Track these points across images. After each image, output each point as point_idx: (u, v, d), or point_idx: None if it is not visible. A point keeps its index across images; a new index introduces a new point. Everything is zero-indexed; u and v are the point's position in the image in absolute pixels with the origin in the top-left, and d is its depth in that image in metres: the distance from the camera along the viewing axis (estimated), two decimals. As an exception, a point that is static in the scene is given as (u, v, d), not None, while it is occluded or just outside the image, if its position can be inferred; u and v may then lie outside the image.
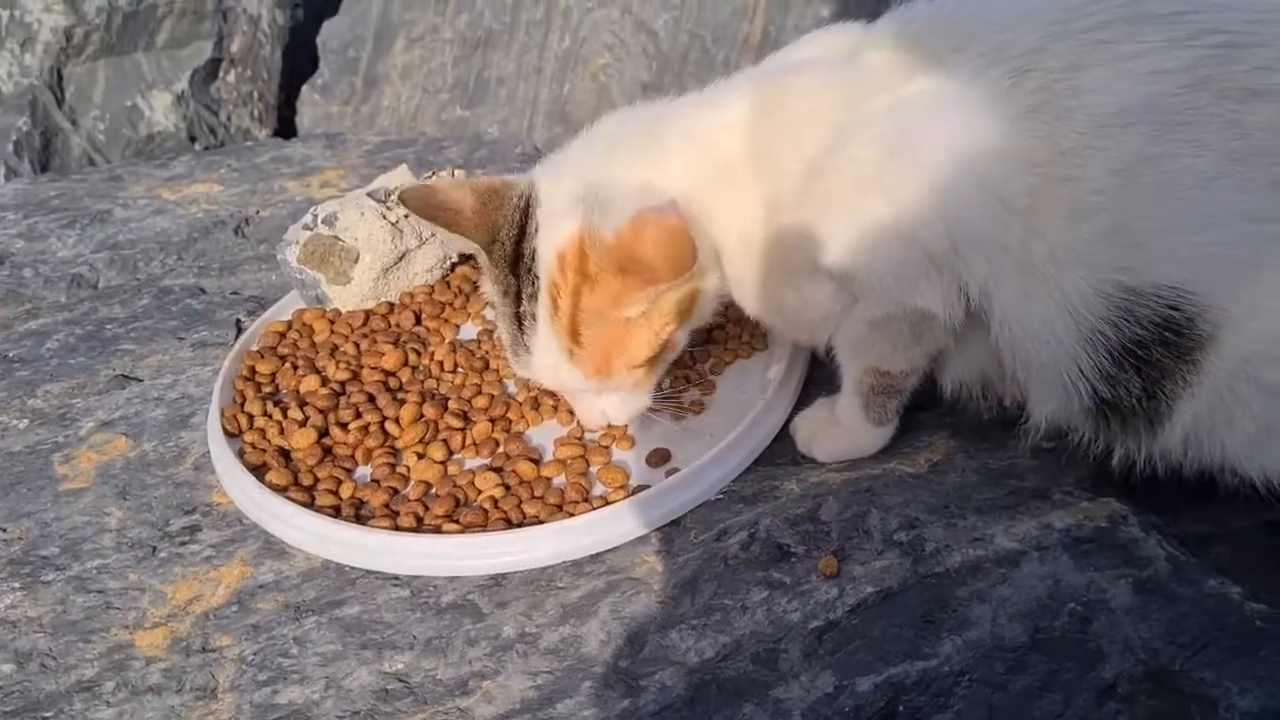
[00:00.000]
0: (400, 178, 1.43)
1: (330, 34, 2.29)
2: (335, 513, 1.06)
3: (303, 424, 1.16)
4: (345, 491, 1.09)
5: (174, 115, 2.27)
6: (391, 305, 1.38)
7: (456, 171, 1.42)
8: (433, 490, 1.09)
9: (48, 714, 0.91)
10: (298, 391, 1.22)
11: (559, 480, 1.08)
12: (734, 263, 1.05)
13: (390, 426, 1.16)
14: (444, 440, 1.14)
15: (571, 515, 1.02)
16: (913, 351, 1.03)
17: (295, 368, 1.26)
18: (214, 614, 1.00)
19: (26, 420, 1.29)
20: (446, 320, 1.35)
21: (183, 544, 1.09)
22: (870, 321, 1.01)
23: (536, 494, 1.06)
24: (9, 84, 2.13)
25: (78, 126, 2.21)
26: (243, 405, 1.20)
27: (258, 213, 1.78)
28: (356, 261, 1.35)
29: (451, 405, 1.18)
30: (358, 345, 1.30)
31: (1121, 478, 0.98)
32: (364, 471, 1.13)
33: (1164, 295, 0.86)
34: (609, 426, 1.14)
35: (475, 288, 1.40)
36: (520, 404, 1.18)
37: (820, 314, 1.04)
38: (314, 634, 0.97)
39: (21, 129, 2.11)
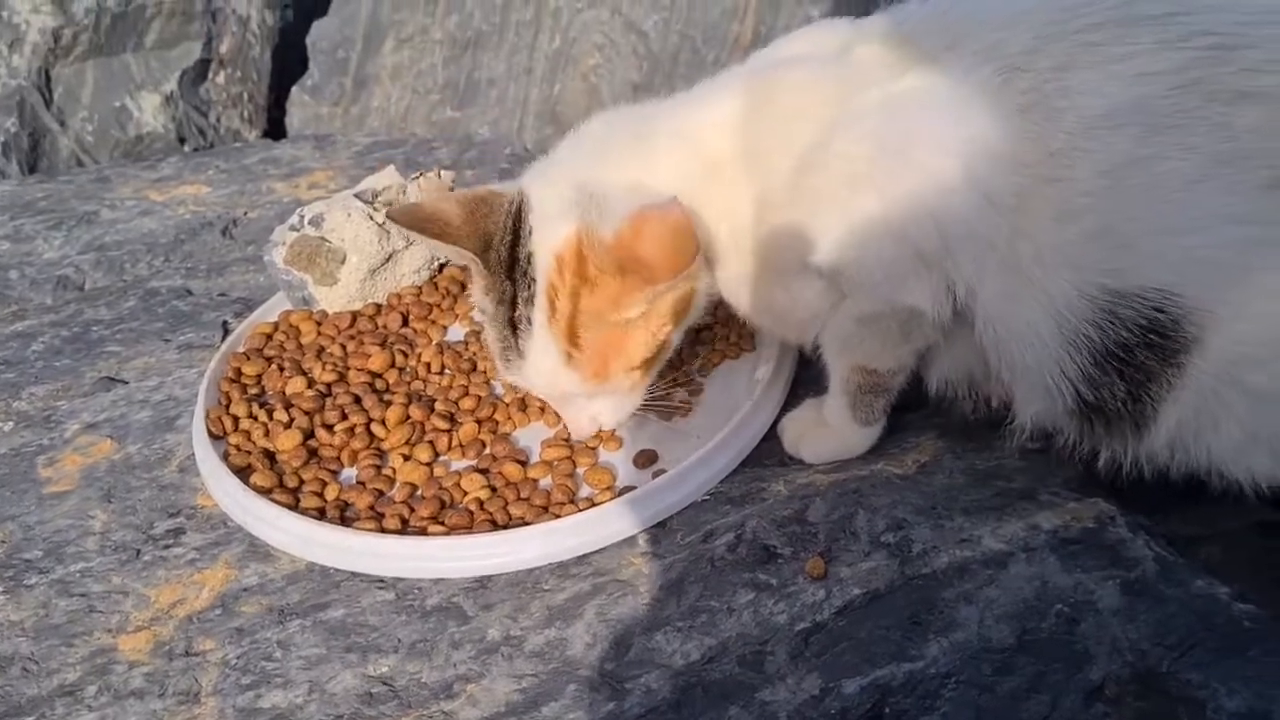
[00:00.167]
0: (388, 179, 1.42)
1: (319, 35, 2.28)
2: (320, 515, 1.06)
3: (288, 426, 1.16)
4: (330, 493, 1.08)
5: (163, 116, 2.26)
6: (379, 306, 1.37)
7: (444, 173, 1.41)
8: (418, 492, 1.08)
9: (29, 718, 0.90)
10: (284, 393, 1.22)
11: (545, 482, 1.08)
12: (724, 261, 1.04)
13: (376, 428, 1.16)
14: (430, 442, 1.13)
15: (558, 517, 1.02)
16: (901, 349, 1.03)
17: (281, 369, 1.25)
18: (197, 617, 1.00)
19: (11, 423, 1.28)
20: (434, 321, 1.34)
21: (167, 547, 1.08)
22: (859, 319, 1.01)
23: (523, 495, 1.06)
24: (-3, 85, 2.13)
25: (66, 128, 2.20)
26: (228, 407, 1.20)
27: (245, 214, 1.77)
28: (343, 262, 1.34)
29: (438, 407, 1.18)
30: (344, 347, 1.29)
31: (1109, 480, 0.98)
32: (350, 473, 1.12)
33: (1150, 297, 0.86)
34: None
35: (463, 289, 1.39)
36: (507, 405, 1.18)
37: (809, 312, 1.04)
38: (298, 637, 0.96)
39: (9, 130, 2.10)
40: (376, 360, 1.25)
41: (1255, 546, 0.99)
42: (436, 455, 1.13)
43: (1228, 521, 1.00)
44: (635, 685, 0.87)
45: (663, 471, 1.06)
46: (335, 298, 1.36)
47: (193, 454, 1.18)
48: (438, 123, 2.23)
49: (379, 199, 1.38)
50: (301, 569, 1.04)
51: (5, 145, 2.10)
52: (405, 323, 1.34)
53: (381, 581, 1.01)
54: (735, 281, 1.06)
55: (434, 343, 1.29)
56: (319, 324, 1.34)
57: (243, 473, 1.10)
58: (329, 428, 1.16)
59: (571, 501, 1.04)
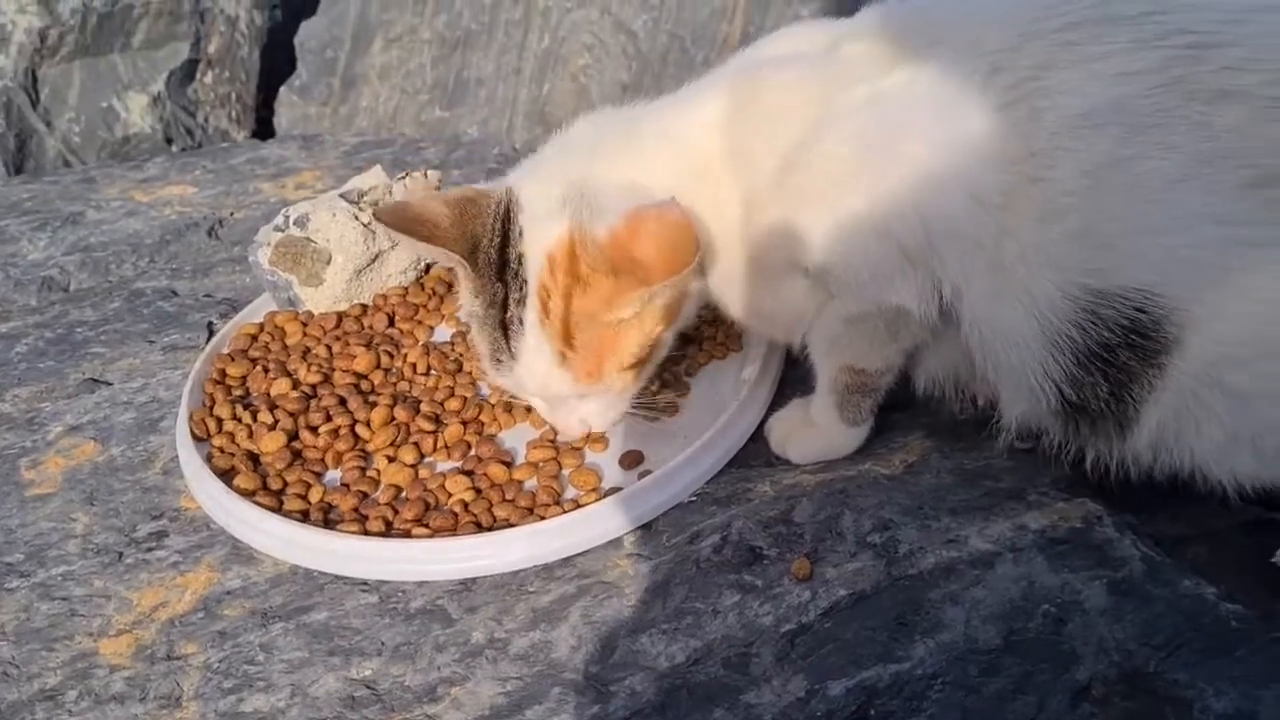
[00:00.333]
0: (374, 179, 1.41)
1: (308, 35, 2.27)
2: (304, 517, 1.05)
3: (272, 427, 1.15)
4: (314, 496, 1.07)
5: (150, 117, 2.25)
6: (365, 307, 1.36)
7: (430, 173, 1.40)
8: (403, 494, 1.07)
9: (8, 724, 0.90)
10: (268, 395, 1.21)
11: (531, 483, 1.07)
12: (714, 261, 1.04)
13: (361, 430, 1.15)
14: (415, 443, 1.12)
15: (543, 518, 1.01)
16: (888, 349, 1.02)
17: (266, 370, 1.25)
18: (180, 621, 0.99)
19: (-7, 425, 1.27)
20: (420, 322, 1.33)
21: (149, 550, 1.07)
22: (846, 318, 1.00)
23: (508, 497, 1.05)
24: (-18, 85, 2.11)
25: (53, 128, 2.19)
26: (212, 409, 1.19)
27: (232, 214, 1.76)
28: (329, 263, 1.33)
29: (423, 408, 1.17)
30: (330, 348, 1.28)
31: (1096, 481, 0.98)
32: (334, 475, 1.11)
33: (1131, 298, 0.86)
34: (585, 430, 1.13)
35: (449, 289, 1.38)
36: (493, 407, 1.17)
37: (796, 312, 1.04)
38: (281, 640, 0.95)
39: (-4, 131, 2.09)
40: (362, 361, 1.24)
41: (1242, 546, 0.98)
42: (421, 457, 1.12)
43: (1215, 521, 1.00)
44: (620, 688, 0.86)
45: (649, 472, 1.05)
46: (321, 298, 1.35)
47: (176, 456, 1.17)
48: (426, 123, 2.23)
49: (365, 199, 1.37)
50: (285, 572, 1.03)
51: (-9, 146, 2.09)
52: (391, 323, 1.33)
53: (365, 584, 1.00)
54: (723, 282, 1.05)
55: (420, 344, 1.29)
56: (304, 325, 1.33)
57: (226, 475, 1.10)
58: (313, 429, 1.15)
59: (557, 503, 1.03)
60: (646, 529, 1.02)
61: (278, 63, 2.39)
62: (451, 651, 0.92)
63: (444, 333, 1.32)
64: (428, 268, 1.41)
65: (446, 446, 1.13)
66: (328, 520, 1.05)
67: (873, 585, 0.92)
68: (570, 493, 1.06)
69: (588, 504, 1.02)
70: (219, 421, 1.17)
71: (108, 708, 0.91)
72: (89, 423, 1.27)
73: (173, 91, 2.29)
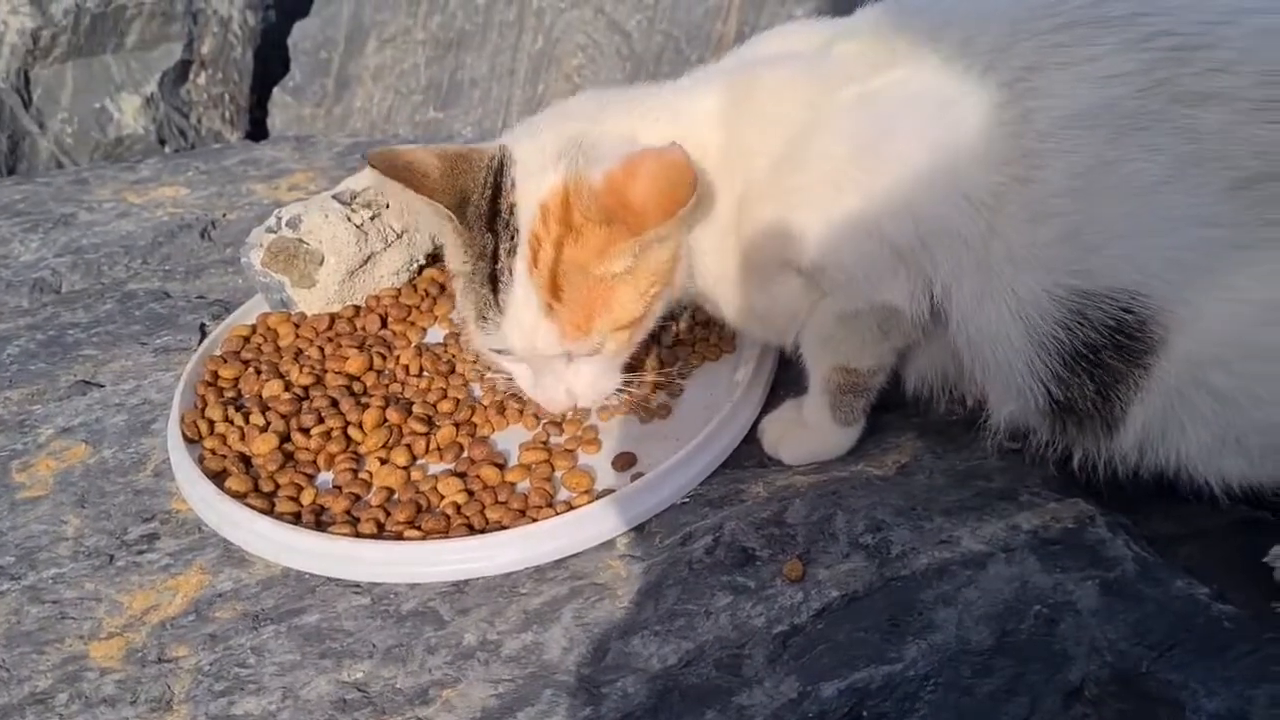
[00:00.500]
0: (367, 179, 1.41)
1: (301, 35, 2.27)
2: (295, 519, 1.05)
3: (264, 429, 1.15)
4: (306, 498, 1.07)
5: (143, 118, 2.24)
6: (357, 308, 1.36)
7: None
8: (395, 496, 1.07)
9: (-2, 727, 0.89)
10: (260, 396, 1.20)
11: (523, 485, 1.07)
12: (705, 257, 1.03)
13: (353, 432, 1.15)
14: (407, 445, 1.12)
15: (535, 520, 1.01)
16: (880, 348, 1.02)
17: (259, 372, 1.24)
18: (171, 624, 0.98)
19: (-15, 427, 1.27)
20: (413, 323, 1.33)
21: (140, 552, 1.07)
22: (838, 317, 1.00)
23: (500, 499, 1.05)
24: (-26, 87, 2.11)
25: (45, 129, 2.18)
26: (204, 411, 1.19)
27: (225, 216, 1.76)
28: (321, 264, 1.33)
29: (416, 410, 1.17)
30: (322, 349, 1.28)
31: (1083, 480, 0.98)
32: (326, 477, 1.11)
33: (1117, 298, 0.86)
34: (577, 427, 1.13)
35: (442, 290, 1.38)
36: (485, 408, 1.17)
37: (789, 311, 1.04)
38: (272, 643, 0.95)
39: (-13, 132, 2.09)
40: (354, 363, 1.24)
41: (1234, 546, 0.98)
42: (414, 459, 1.12)
43: (1207, 521, 1.00)
44: (612, 690, 0.86)
45: (641, 474, 1.05)
46: (313, 300, 1.35)
47: (168, 458, 1.16)
48: (420, 123, 2.22)
49: (357, 200, 1.37)
50: (276, 574, 1.03)
51: (-17, 148, 2.08)
52: (384, 325, 1.33)
53: (357, 586, 1.00)
54: (716, 281, 1.05)
55: (412, 345, 1.29)
56: (297, 326, 1.33)
57: (218, 477, 1.09)
58: (305, 431, 1.15)
59: (549, 505, 1.03)
60: (639, 530, 1.02)
61: (271, 63, 2.39)
62: (443, 654, 0.92)
63: (437, 334, 1.32)
64: (420, 269, 1.41)
65: (439, 448, 1.12)
66: (320, 522, 1.04)
67: (865, 586, 0.92)
68: (563, 494, 1.06)
69: (580, 506, 1.02)
70: (211, 423, 1.17)
71: (98, 711, 0.90)
72: (80, 425, 1.26)
73: (166, 92, 2.28)
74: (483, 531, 1.01)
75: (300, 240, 1.33)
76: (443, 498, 1.06)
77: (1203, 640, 0.85)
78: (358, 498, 1.07)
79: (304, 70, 2.28)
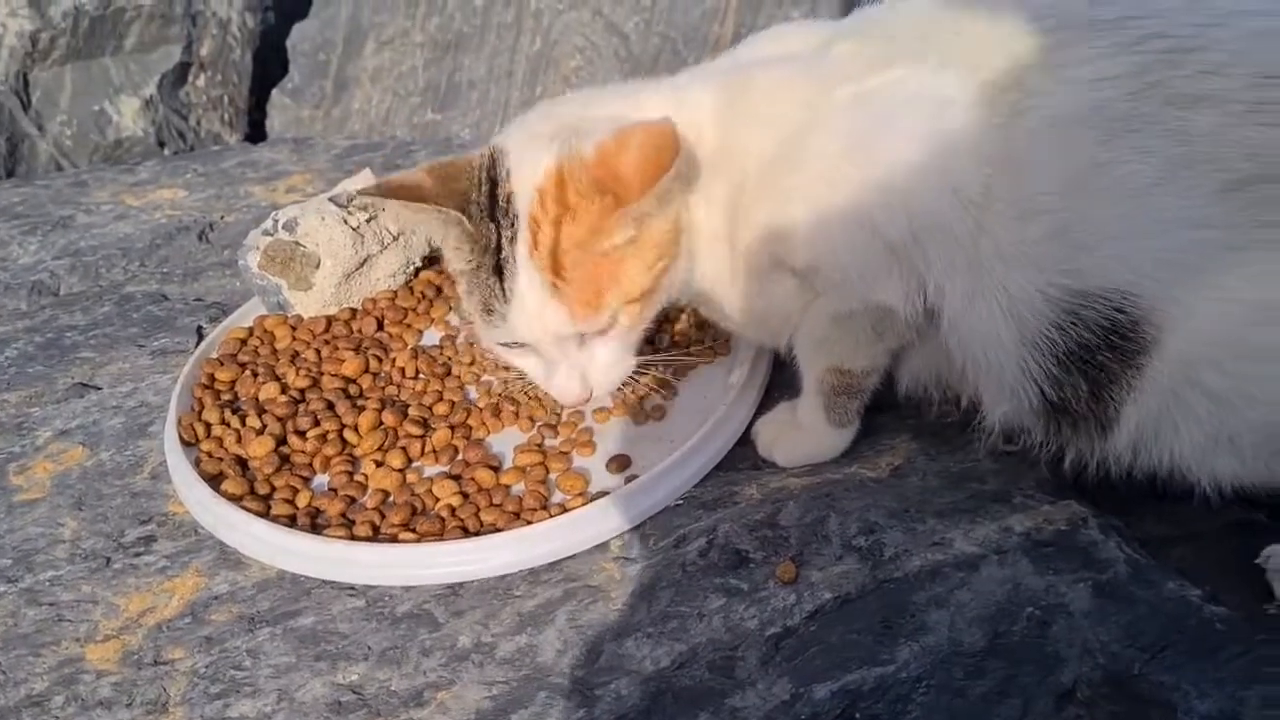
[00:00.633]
0: (363, 182, 1.41)
1: (300, 37, 2.27)
2: (291, 522, 1.05)
3: (260, 432, 1.15)
4: (302, 500, 1.08)
5: (142, 120, 2.25)
6: (354, 311, 1.36)
7: (419, 175, 1.40)
8: (390, 499, 1.07)
9: (-6, 730, 0.90)
10: (257, 399, 1.21)
11: (518, 488, 1.07)
12: (700, 257, 1.04)
13: (349, 434, 1.15)
14: (403, 448, 1.13)
15: (530, 523, 1.01)
16: (874, 349, 1.03)
17: (255, 375, 1.25)
18: (167, 626, 0.99)
19: (-18, 430, 1.27)
20: (409, 326, 1.33)
21: (137, 555, 1.07)
22: (833, 317, 1.01)
23: (495, 501, 1.05)
24: (-27, 90, 2.11)
25: (44, 132, 2.19)
26: (200, 413, 1.19)
27: (222, 218, 1.76)
28: (318, 267, 1.34)
29: (411, 412, 1.17)
30: (319, 352, 1.28)
31: (1073, 480, 0.98)
32: (321, 480, 1.12)
33: (1110, 298, 0.86)
34: (572, 429, 1.13)
35: (439, 292, 1.39)
36: (481, 410, 1.17)
37: (783, 312, 1.04)
38: (267, 645, 0.95)
39: (-13, 135, 2.09)
40: (350, 365, 1.24)
41: (1227, 547, 0.98)
42: (409, 461, 1.12)
43: (1200, 522, 1.00)
44: (605, 692, 0.86)
45: (635, 476, 1.05)
46: (310, 302, 1.35)
47: (165, 461, 1.17)
48: (419, 125, 2.23)
49: (354, 203, 1.37)
50: (272, 576, 1.03)
51: (-18, 150, 2.09)
52: (380, 327, 1.33)
53: (352, 589, 1.00)
54: (711, 283, 1.05)
55: (408, 347, 1.29)
56: (294, 329, 1.33)
57: (214, 480, 1.10)
58: (301, 434, 1.15)
59: (544, 508, 1.03)
60: (633, 532, 1.03)
61: (270, 65, 2.39)
62: (438, 656, 0.92)
63: (433, 336, 1.32)
64: (417, 271, 1.41)
65: (434, 451, 1.13)
66: (315, 525, 1.05)
67: (858, 588, 0.92)
68: (557, 497, 1.06)
69: (574, 508, 1.02)
70: (207, 426, 1.17)
71: (94, 713, 0.91)
72: (78, 427, 1.27)
73: (165, 94, 2.28)
74: (477, 534, 1.02)
75: (297, 243, 1.33)
76: (438, 500, 1.06)
77: (1195, 642, 0.85)
78: (353, 500, 1.08)
79: (302, 72, 2.28)
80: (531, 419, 1.16)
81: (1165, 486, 0.94)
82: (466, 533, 1.02)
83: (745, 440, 1.13)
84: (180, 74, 2.31)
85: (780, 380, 1.19)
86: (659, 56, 2.11)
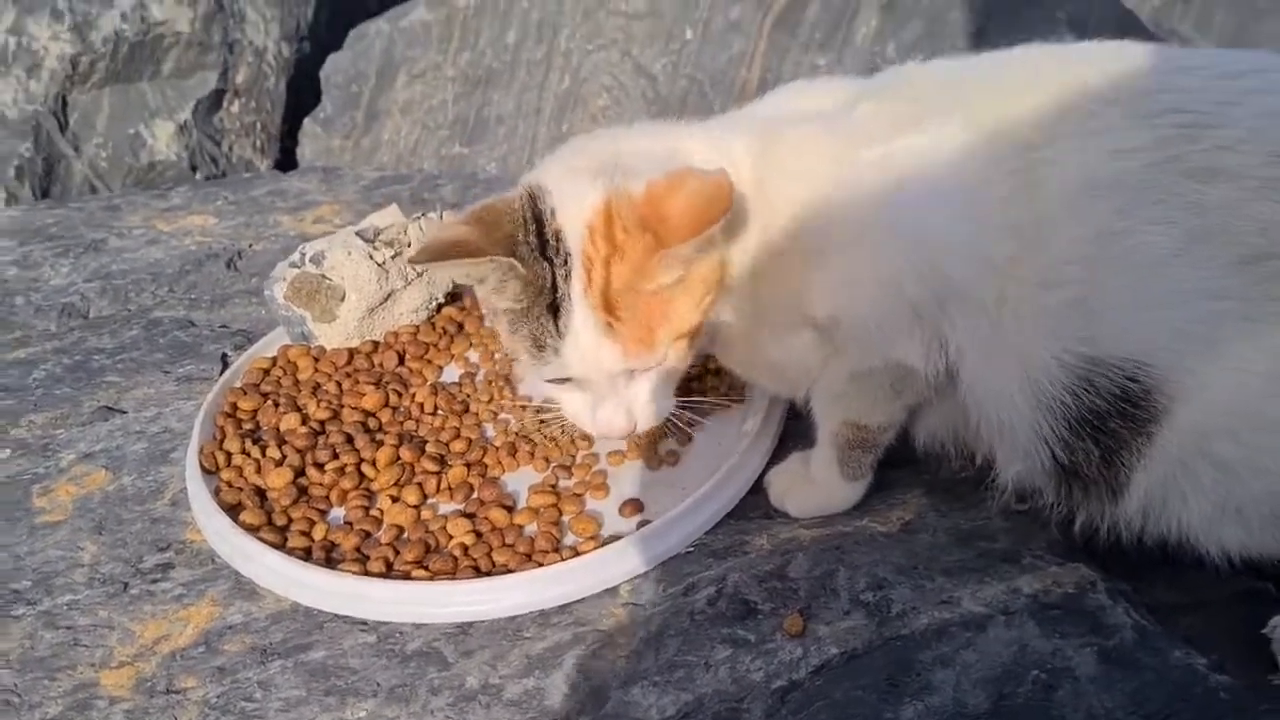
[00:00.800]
0: (390, 217, 1.44)
1: (333, 68, 2.31)
2: (306, 554, 1.06)
3: (280, 463, 1.17)
4: (318, 533, 1.09)
5: (176, 144, 2.28)
6: (376, 344, 1.38)
7: (446, 214, 1.43)
8: (405, 534, 1.09)
9: (7, 753, 0.91)
10: (278, 429, 1.23)
11: (531, 528, 1.08)
12: (721, 305, 1.04)
13: (366, 468, 1.16)
14: (419, 484, 1.14)
15: (541, 565, 1.02)
16: (892, 405, 1.04)
17: (277, 405, 1.27)
18: (181, 654, 1.00)
19: (8, 450, 1.29)
20: (429, 361, 1.35)
21: (154, 581, 1.09)
22: (852, 374, 1.01)
23: (507, 541, 1.06)
24: (13, 109, 2.15)
25: (80, 153, 2.23)
26: (222, 442, 1.21)
27: (251, 246, 1.79)
28: (342, 300, 1.36)
29: (429, 449, 1.19)
30: (340, 384, 1.30)
31: (1084, 543, 0.98)
32: (338, 513, 1.13)
33: (1124, 367, 0.87)
34: (586, 471, 1.15)
35: (460, 329, 1.40)
36: (497, 449, 1.19)
37: (802, 365, 1.04)
38: (279, 678, 0.96)
39: (24, 154, 2.13)
40: (370, 399, 1.26)
41: (1235, 615, 0.98)
42: (425, 498, 1.13)
43: (1209, 590, 1.00)
44: (610, 739, 0.87)
45: (648, 522, 1.06)
46: (333, 334, 1.37)
47: (185, 488, 1.18)
48: (447, 157, 2.26)
49: (380, 237, 1.40)
50: (286, 608, 1.04)
51: (19, 169, 2.12)
52: (401, 361, 1.35)
53: (364, 624, 1.01)
54: (729, 332, 1.06)
55: (428, 383, 1.31)
56: (316, 360, 1.35)
57: (233, 510, 1.11)
58: (320, 466, 1.17)
59: (556, 550, 1.04)
60: (643, 578, 1.03)
61: (304, 94, 2.43)
62: (446, 695, 0.93)
63: (452, 373, 1.34)
64: (439, 307, 1.43)
65: (450, 488, 1.14)
66: (330, 559, 1.06)
67: (864, 644, 0.92)
68: (569, 539, 1.07)
69: (586, 552, 1.03)
70: (228, 455, 1.19)
71: (106, 739, 0.92)
72: (101, 451, 1.29)
73: (199, 120, 2.32)
74: (489, 574, 1.03)
75: (323, 276, 1.36)
76: (451, 538, 1.07)
77: (1199, 711, 0.85)
78: (368, 534, 1.09)
79: (335, 102, 2.31)
80: (547, 459, 1.17)
81: (1175, 553, 0.94)
82: (479, 572, 1.03)
83: (758, 488, 1.14)
84: (215, 100, 2.35)
85: (794, 429, 1.20)
86: (686, 99, 2.13)
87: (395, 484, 1.14)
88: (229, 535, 1.08)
